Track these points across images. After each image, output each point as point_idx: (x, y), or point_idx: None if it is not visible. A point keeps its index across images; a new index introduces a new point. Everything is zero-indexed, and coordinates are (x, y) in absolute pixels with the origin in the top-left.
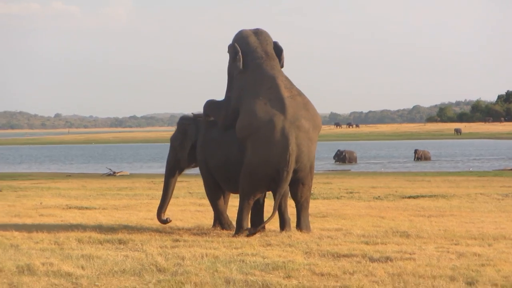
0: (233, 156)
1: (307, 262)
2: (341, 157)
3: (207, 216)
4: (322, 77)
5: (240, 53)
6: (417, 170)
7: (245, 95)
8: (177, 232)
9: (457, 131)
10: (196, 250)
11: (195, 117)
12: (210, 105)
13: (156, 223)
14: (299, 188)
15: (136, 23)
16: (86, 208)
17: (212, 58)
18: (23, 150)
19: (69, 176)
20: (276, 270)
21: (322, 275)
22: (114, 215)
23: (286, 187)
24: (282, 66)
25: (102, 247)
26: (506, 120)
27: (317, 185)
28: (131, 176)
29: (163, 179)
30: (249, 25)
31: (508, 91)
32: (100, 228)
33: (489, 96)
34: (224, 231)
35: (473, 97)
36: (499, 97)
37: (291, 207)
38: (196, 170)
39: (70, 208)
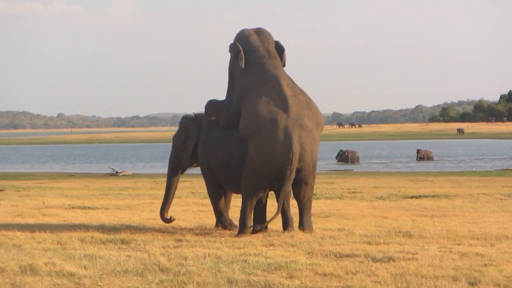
0: (235, 156)
1: (309, 262)
2: (344, 157)
3: (210, 216)
4: (324, 77)
5: (242, 52)
6: (419, 170)
7: (248, 94)
8: (180, 232)
9: (460, 131)
10: (198, 250)
11: (197, 117)
12: (212, 105)
13: (158, 223)
14: (301, 187)
15: (139, 23)
16: (89, 208)
17: (215, 58)
18: (26, 150)
19: (71, 176)
20: (278, 270)
21: (325, 275)
22: (117, 215)
23: (290, 186)
24: (284, 65)
25: (105, 247)
26: (508, 120)
27: (320, 185)
28: (133, 176)
29: (165, 179)
30: (252, 25)
31: (510, 90)
32: (102, 228)
33: (492, 96)
34: (227, 231)
35: (476, 97)
36: (502, 97)
37: (293, 207)
38: (199, 170)
39: (72, 208)
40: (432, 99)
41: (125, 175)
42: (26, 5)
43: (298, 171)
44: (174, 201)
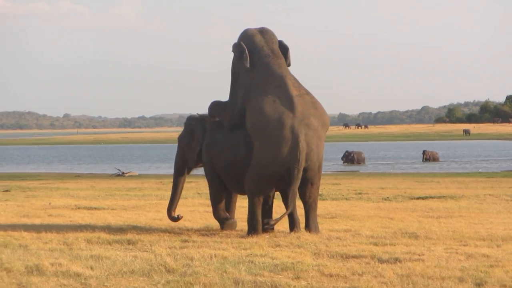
0: (241, 156)
1: (316, 263)
2: (349, 158)
3: None
4: (331, 77)
5: (246, 51)
6: (425, 171)
7: (253, 93)
8: (186, 233)
9: (466, 132)
10: (205, 251)
11: (201, 117)
12: (215, 106)
13: (165, 223)
14: (307, 188)
15: (145, 23)
16: (95, 208)
17: (222, 59)
18: (32, 150)
19: (78, 176)
20: (285, 271)
21: (331, 276)
22: (123, 216)
23: (298, 185)
24: (289, 65)
25: (111, 248)
26: None
27: (326, 186)
28: (140, 176)
29: (172, 180)
30: (257, 25)
31: None
32: (109, 229)
33: (498, 97)
34: (233, 232)
35: (482, 98)
36: (508, 98)
37: (299, 208)
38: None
39: (79, 208)
40: (438, 100)
41: (131, 175)
42: (32, 5)
43: (305, 170)
44: (180, 201)
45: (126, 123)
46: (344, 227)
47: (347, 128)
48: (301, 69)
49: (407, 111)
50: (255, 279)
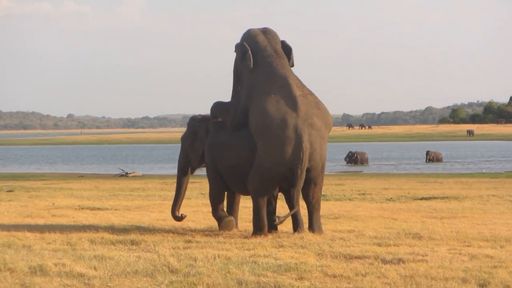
0: (244, 157)
1: (319, 263)
2: (353, 159)
3: None
4: (335, 78)
5: (249, 51)
6: (429, 172)
7: (256, 93)
8: (190, 233)
9: (470, 132)
10: (208, 251)
11: (204, 118)
12: (218, 107)
13: (168, 223)
14: (310, 188)
15: (148, 23)
16: (99, 208)
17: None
18: (36, 151)
19: (81, 176)
20: (288, 271)
21: (335, 276)
22: (127, 216)
23: (302, 185)
24: (292, 65)
25: (115, 248)
26: None
27: (330, 187)
28: (143, 177)
29: (175, 180)
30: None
31: None
32: (112, 229)
33: (502, 97)
34: (237, 232)
35: (486, 98)
36: None
37: (302, 208)
38: None
39: (82, 208)
40: (442, 101)
41: (135, 176)
42: (36, 5)
43: (308, 171)
44: (184, 202)
45: (130, 123)
46: (348, 228)
47: (350, 128)
48: (305, 69)
49: (410, 112)
50: (259, 279)
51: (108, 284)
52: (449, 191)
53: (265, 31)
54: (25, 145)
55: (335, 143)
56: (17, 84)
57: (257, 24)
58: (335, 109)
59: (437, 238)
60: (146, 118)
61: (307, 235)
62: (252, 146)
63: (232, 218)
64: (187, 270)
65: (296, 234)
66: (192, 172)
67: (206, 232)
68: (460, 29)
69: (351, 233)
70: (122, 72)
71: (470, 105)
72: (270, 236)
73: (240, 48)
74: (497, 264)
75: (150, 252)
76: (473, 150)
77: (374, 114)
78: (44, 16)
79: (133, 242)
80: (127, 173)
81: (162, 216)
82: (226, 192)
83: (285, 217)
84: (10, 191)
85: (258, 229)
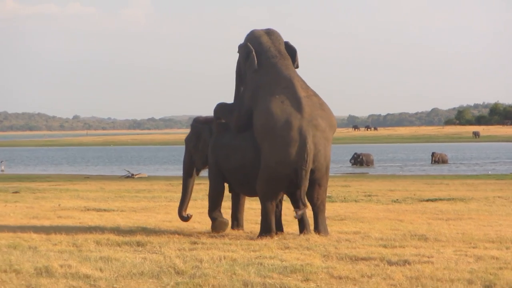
0: (249, 159)
1: (325, 265)
2: (358, 160)
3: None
4: (340, 79)
5: (253, 52)
6: (435, 173)
7: (260, 94)
8: (195, 235)
9: (476, 134)
10: (214, 253)
11: (207, 119)
12: (221, 108)
13: (174, 225)
14: (315, 189)
15: (154, 24)
16: (104, 210)
17: (231, 60)
18: (41, 152)
19: (87, 178)
20: (294, 273)
21: (340, 278)
22: (132, 217)
23: (307, 185)
24: (297, 67)
25: (120, 249)
26: None
27: (335, 188)
28: (149, 178)
29: (181, 181)
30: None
31: None
32: (118, 230)
33: (507, 99)
34: (243, 233)
35: (491, 100)
36: None
37: (308, 210)
38: None
39: (88, 210)
40: (448, 102)
41: (140, 177)
42: (41, 7)
43: (312, 172)
44: (190, 203)
45: (136, 124)
46: (354, 229)
47: (356, 130)
48: (310, 71)
49: (416, 113)
50: (264, 281)
51: (114, 286)
52: (455, 192)
53: (269, 32)
54: (31, 146)
55: (340, 145)
56: (23, 85)
57: (263, 25)
58: (340, 110)
59: (443, 239)
60: (152, 119)
61: (313, 237)
62: (256, 147)
63: (226, 220)
64: (193, 271)
65: (302, 235)
66: (197, 173)
67: (212, 234)
68: (466, 30)
69: (357, 234)
70: (128, 73)
71: (476, 106)
72: (276, 237)
73: (244, 49)
74: (503, 265)
75: (156, 253)
76: (479, 151)
77: (379, 115)
78: (49, 17)
79: (139, 244)
80: (133, 175)
81: (168, 218)
82: (231, 194)
83: (302, 212)
84: (16, 192)
85: (265, 231)
